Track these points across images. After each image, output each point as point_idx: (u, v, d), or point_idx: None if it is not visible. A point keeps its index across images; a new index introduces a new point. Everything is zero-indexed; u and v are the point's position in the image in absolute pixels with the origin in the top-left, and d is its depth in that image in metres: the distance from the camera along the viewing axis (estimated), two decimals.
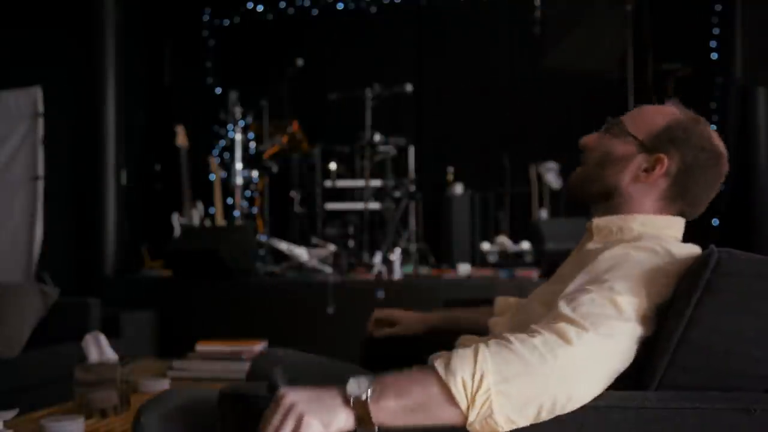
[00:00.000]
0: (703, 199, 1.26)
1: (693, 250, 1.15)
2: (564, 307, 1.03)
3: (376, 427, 0.94)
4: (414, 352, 1.46)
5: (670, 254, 1.11)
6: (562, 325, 0.99)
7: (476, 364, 0.94)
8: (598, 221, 1.27)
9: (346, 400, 0.95)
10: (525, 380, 0.93)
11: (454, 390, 0.93)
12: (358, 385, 0.95)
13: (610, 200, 1.27)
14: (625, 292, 1.04)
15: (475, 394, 0.93)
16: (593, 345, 0.98)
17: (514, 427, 0.95)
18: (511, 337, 0.97)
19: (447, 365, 0.95)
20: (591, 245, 1.26)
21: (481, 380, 0.93)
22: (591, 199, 1.30)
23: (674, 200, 1.24)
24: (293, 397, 0.95)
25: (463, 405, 0.93)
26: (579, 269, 1.18)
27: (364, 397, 0.94)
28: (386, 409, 0.94)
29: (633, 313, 1.03)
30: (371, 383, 0.95)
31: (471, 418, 0.94)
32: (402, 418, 0.95)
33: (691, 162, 1.22)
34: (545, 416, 0.95)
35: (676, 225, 1.25)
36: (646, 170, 1.23)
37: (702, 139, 1.24)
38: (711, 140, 1.25)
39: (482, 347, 0.96)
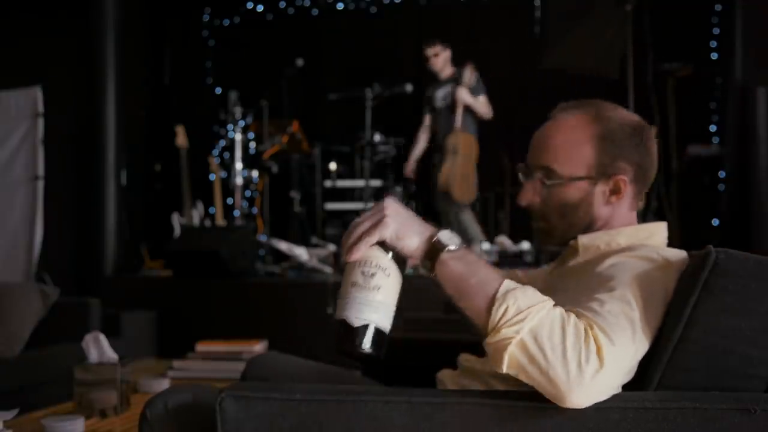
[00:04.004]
0: (654, 165, 1.26)
1: (683, 254, 1.15)
2: (589, 315, 0.99)
3: (434, 274, 1.05)
4: (417, 361, 1.47)
5: (666, 260, 1.11)
6: (602, 341, 0.95)
7: (530, 307, 0.97)
8: (583, 239, 1.25)
9: (429, 237, 1.05)
10: (547, 356, 0.93)
11: (493, 308, 0.98)
12: (449, 237, 1.05)
13: (589, 230, 1.25)
14: (637, 305, 1.03)
15: (503, 325, 0.96)
16: (616, 362, 0.96)
17: (512, 375, 0.97)
18: (572, 318, 0.96)
19: (510, 289, 0.99)
20: (581, 259, 1.24)
21: (519, 321, 0.96)
22: (569, 241, 1.28)
23: (640, 189, 1.26)
24: (393, 205, 1.07)
25: (491, 325, 0.98)
26: (568, 283, 1.18)
27: (444, 247, 1.04)
28: (447, 269, 1.04)
29: (645, 327, 1.02)
30: (458, 245, 1.05)
31: (489, 339, 0.98)
32: (451, 287, 1.04)
33: (638, 158, 1.22)
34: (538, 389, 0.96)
35: (659, 231, 1.25)
36: (612, 192, 1.23)
37: (625, 131, 1.22)
38: (626, 120, 1.24)
39: (549, 302, 0.99)
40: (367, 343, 1.02)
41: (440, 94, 5.15)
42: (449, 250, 1.04)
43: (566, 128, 1.25)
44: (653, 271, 1.09)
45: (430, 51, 5.16)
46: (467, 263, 1.04)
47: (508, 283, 1.01)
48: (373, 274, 1.04)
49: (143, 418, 1.20)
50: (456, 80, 5.09)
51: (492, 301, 0.99)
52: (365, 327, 1.02)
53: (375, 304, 1.03)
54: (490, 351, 0.99)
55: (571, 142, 1.23)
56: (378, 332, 1.03)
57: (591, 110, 1.25)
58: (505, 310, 0.97)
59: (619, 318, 0.99)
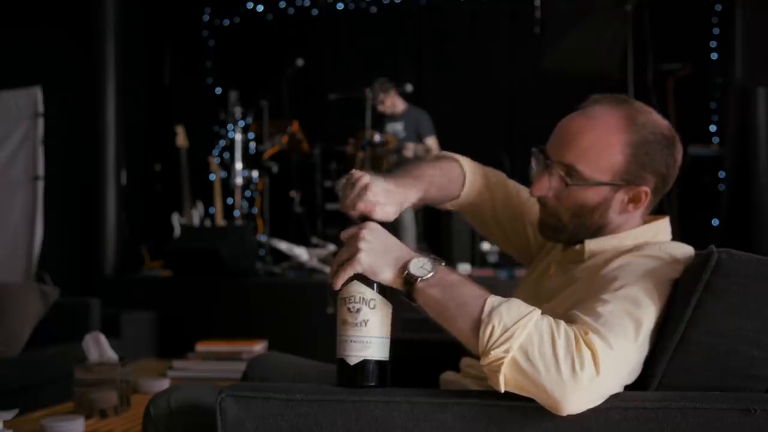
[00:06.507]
0: (675, 177, 1.21)
1: (689, 249, 1.15)
2: (593, 324, 0.98)
3: (416, 303, 1.04)
4: (417, 361, 1.46)
5: (674, 258, 1.10)
6: (598, 347, 0.94)
7: (516, 323, 0.95)
8: (591, 245, 1.21)
9: (401, 269, 1.04)
10: (540, 369, 0.93)
11: (480, 330, 0.97)
12: (420, 265, 1.03)
13: (598, 233, 1.23)
14: (644, 303, 1.02)
15: (492, 347, 0.95)
16: (616, 366, 0.96)
17: (513, 392, 0.97)
18: (562, 326, 0.96)
19: (494, 307, 0.98)
20: (589, 264, 1.21)
21: (507, 339, 0.95)
22: (573, 241, 1.25)
23: (656, 200, 1.22)
24: (368, 234, 1.05)
25: (481, 347, 0.97)
26: (574, 288, 1.16)
27: (416, 279, 1.02)
28: (425, 298, 1.02)
29: (652, 324, 1.02)
30: (432, 270, 1.03)
31: (482, 362, 0.98)
32: (433, 314, 1.03)
33: (664, 169, 1.18)
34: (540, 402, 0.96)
35: (663, 228, 1.24)
36: (630, 201, 1.19)
37: (658, 141, 1.17)
38: (660, 129, 1.18)
39: (536, 314, 0.97)
40: (367, 378, 1.05)
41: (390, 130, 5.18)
42: (423, 280, 1.03)
43: (598, 127, 1.17)
44: (660, 269, 1.08)
45: (376, 100, 5.12)
46: (444, 288, 1.02)
47: (491, 301, 0.99)
48: (358, 310, 1.05)
49: (147, 415, 1.20)
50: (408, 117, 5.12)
51: (478, 323, 0.97)
52: (362, 363, 1.05)
53: (366, 340, 1.05)
54: (486, 373, 0.98)
55: (602, 144, 1.16)
56: (377, 364, 1.06)
57: (626, 111, 1.18)
58: (492, 331, 0.96)
59: (620, 318, 0.99)
